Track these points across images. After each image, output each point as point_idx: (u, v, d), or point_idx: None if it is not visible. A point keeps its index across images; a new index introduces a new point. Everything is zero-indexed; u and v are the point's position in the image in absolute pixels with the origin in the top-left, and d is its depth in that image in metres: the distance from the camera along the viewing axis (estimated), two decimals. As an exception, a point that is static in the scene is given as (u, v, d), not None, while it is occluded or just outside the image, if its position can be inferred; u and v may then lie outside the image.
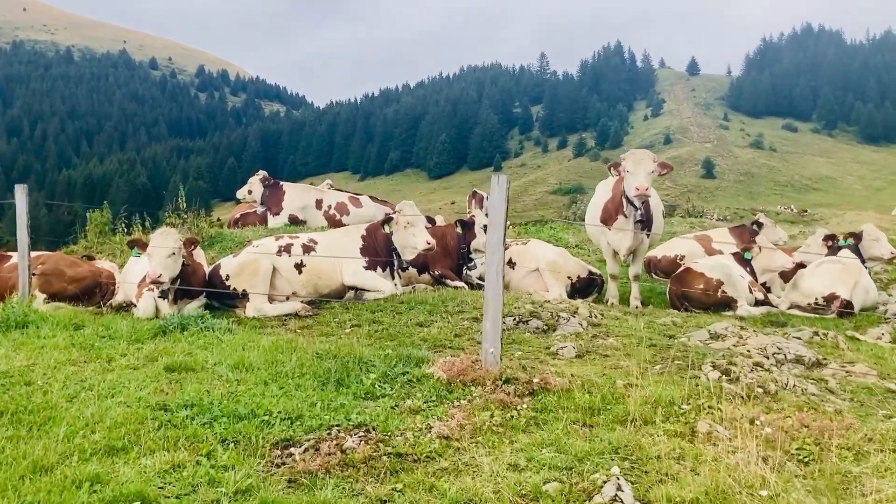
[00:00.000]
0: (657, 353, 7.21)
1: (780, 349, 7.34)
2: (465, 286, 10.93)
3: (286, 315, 8.92)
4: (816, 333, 8.41)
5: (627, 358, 7.01)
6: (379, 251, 9.83)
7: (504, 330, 7.93)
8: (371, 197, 15.50)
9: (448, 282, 10.96)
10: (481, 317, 8.43)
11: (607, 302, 11.66)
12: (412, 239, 9.66)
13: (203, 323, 7.79)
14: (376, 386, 5.88)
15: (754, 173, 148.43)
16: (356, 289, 9.59)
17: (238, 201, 16.15)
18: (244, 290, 9.15)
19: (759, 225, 15.08)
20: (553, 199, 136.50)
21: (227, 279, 9.24)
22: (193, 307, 9.08)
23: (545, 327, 8.21)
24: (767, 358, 7.11)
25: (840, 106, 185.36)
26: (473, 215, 11.56)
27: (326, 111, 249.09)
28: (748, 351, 7.29)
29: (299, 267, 9.43)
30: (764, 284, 11.94)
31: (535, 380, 5.90)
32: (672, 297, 11.10)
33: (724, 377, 6.25)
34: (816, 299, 10.75)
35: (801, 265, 12.12)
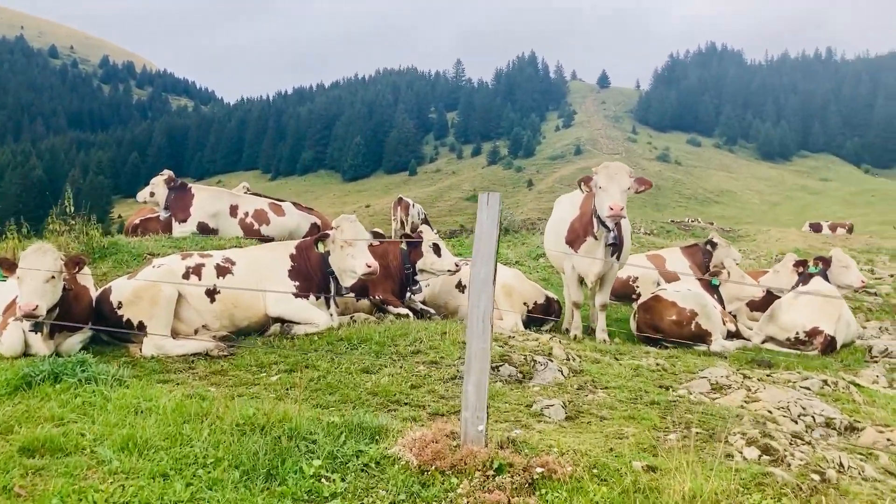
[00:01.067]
0: (663, 414, 5.85)
1: (804, 409, 6.10)
2: (410, 314, 9.37)
3: (194, 354, 7.15)
4: (826, 383, 7.26)
5: (631, 422, 5.64)
6: (312, 274, 8.17)
7: (469, 379, 6.46)
8: (295, 204, 13.71)
9: (391, 308, 9.38)
10: (440, 360, 6.93)
11: (566, 332, 10.33)
12: (350, 261, 8.05)
13: (84, 371, 5.94)
14: (322, 479, 4.26)
15: (661, 185, 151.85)
16: (283, 321, 7.89)
17: (139, 204, 14.02)
18: (141, 323, 7.31)
19: (713, 245, 14.10)
20: (467, 205, 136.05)
21: (119, 307, 7.39)
22: (75, 343, 7.21)
23: (519, 375, 6.75)
24: (795, 422, 5.85)
25: (740, 123, 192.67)
26: (421, 231, 10.00)
27: (237, 108, 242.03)
28: (770, 412, 6.01)
29: (212, 294, 7.67)
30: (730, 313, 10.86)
31: (536, 467, 4.41)
32: (641, 327, 9.84)
33: (764, 456, 4.92)
34: (797, 334, 9.69)
35: (771, 294, 11.12)
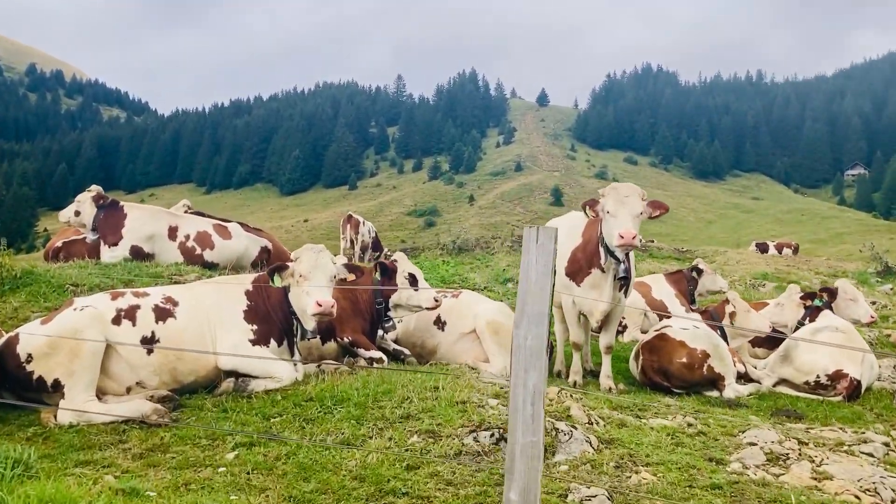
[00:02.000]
0: (730, 504, 4.65)
1: (894, 491, 4.98)
2: (384, 357, 8.01)
3: (126, 421, 5.66)
4: (889, 447, 6.18)
5: (697, 518, 4.41)
6: (272, 315, 6.76)
7: (479, 452, 5.20)
8: (242, 224, 12.18)
9: (362, 352, 7.99)
10: (437, 429, 5.59)
11: (557, 375, 9.12)
12: (304, 299, 6.67)
13: (-28, 458, 4.42)
14: None
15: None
16: (237, 374, 6.44)
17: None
18: (56, 381, 5.78)
19: (699, 272, 13.13)
20: (409, 220, 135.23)
21: (28, 362, 5.84)
22: (-32, 408, 5.67)
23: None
24: (892, 511, 4.72)
25: (675, 142, 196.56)
26: (395, 260, 8.63)
27: (171, 119, 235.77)
28: (857, 497, 4.86)
29: (149, 342, 6.17)
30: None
31: None
32: (647, 371, 8.67)
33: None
34: (818, 377, 8.65)
35: (776, 330, 10.11)
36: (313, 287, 6.60)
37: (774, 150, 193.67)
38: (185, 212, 12.91)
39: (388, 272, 8.37)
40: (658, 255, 28.85)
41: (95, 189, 11.19)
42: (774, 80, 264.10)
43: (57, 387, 5.77)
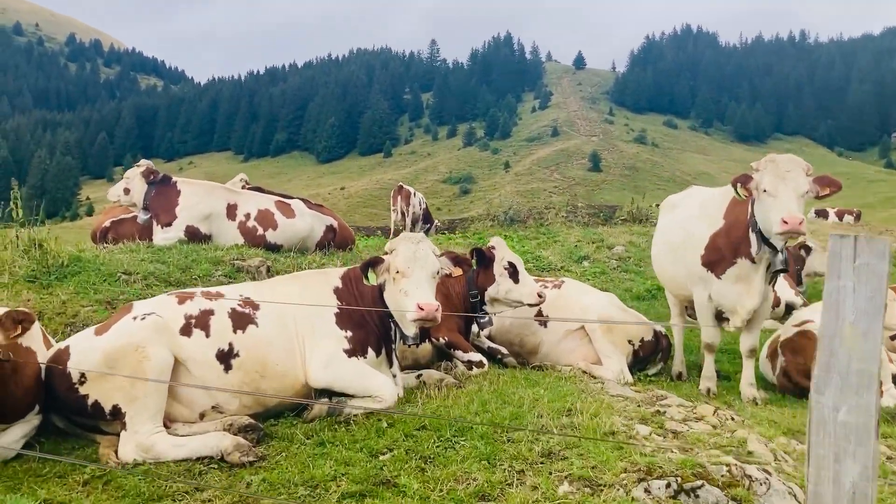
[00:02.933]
0: None
1: None
2: (484, 361, 6.86)
3: (201, 459, 4.58)
4: None
5: None
6: (367, 319, 5.60)
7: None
8: (305, 201, 11.05)
9: (459, 354, 6.85)
10: (593, 474, 4.39)
11: (679, 377, 7.90)
12: (402, 300, 5.49)
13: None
14: None
15: (639, 167, 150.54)
16: (332, 393, 5.31)
17: (109, 185, 11.11)
18: (116, 408, 4.70)
19: (808, 250, 11.74)
20: (444, 188, 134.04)
21: (81, 383, 4.76)
22: (10, 441, 4.64)
23: None
24: None
25: (716, 105, 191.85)
26: (493, 246, 7.40)
27: (208, 87, 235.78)
28: None
29: (227, 357, 5.06)
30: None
31: None
32: (790, 373, 7.40)
33: None
34: None
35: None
36: (412, 285, 5.41)
37: (818, 113, 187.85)
38: (243, 187, 11.81)
39: (486, 261, 7.17)
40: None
41: (145, 164, 10.10)
42: (818, 40, 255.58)
43: (116, 414, 4.70)
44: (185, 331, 5.00)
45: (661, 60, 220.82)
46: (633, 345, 7.64)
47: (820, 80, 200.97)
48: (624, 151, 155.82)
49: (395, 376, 5.68)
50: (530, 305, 7.19)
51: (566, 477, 4.31)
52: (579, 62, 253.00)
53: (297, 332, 5.31)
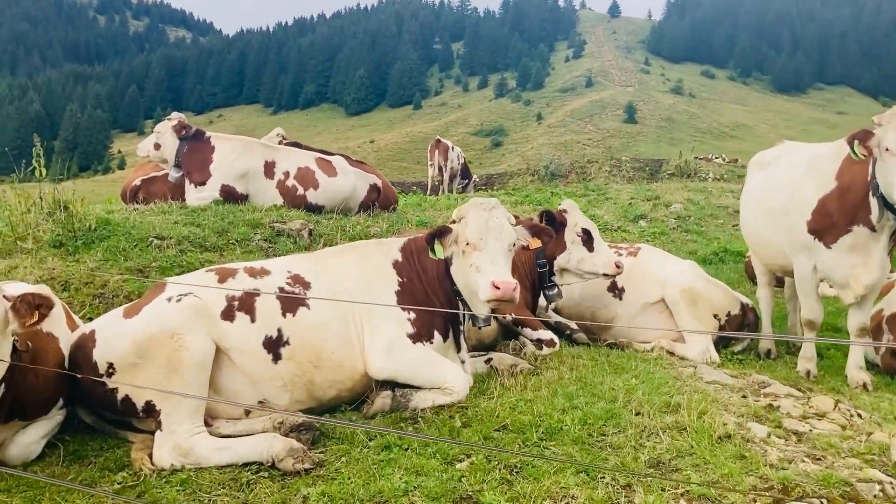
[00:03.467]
0: None
1: None
2: (555, 339, 6.12)
3: (248, 465, 3.92)
4: None
5: None
6: (432, 298, 4.87)
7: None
8: (346, 157, 10.29)
9: (528, 332, 6.11)
10: (715, 494, 3.67)
11: (768, 355, 7.11)
12: (474, 277, 4.71)
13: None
14: None
15: (675, 119, 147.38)
16: (395, 384, 4.60)
17: (140, 139, 10.37)
18: (150, 404, 4.04)
19: None
20: (475, 140, 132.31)
21: (109, 374, 4.10)
22: (29, 442, 4.06)
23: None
24: None
25: (755, 54, 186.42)
26: (565, 210, 6.59)
27: (236, 39, 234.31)
28: None
29: (275, 346, 4.36)
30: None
31: None
32: (897, 357, 6.58)
33: None
34: None
35: None
36: (485, 259, 4.64)
37: (862, 61, 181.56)
38: (280, 142, 11.06)
39: (556, 226, 6.37)
40: (717, 170, 26.08)
41: (177, 117, 9.38)
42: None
43: (150, 412, 4.04)
44: (228, 314, 4.30)
45: (698, 8, 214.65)
46: (719, 319, 6.85)
47: (865, 26, 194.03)
48: (660, 102, 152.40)
49: (463, 363, 4.97)
50: (605, 276, 6.41)
51: (683, 495, 3.58)
52: (614, 10, 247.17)
53: (353, 314, 4.59)
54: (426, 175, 27.33)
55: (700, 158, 37.40)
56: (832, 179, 5.84)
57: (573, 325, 7.00)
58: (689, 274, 6.96)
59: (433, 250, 4.77)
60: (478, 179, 26.50)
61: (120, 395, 4.09)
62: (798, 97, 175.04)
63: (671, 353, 6.52)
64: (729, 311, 6.92)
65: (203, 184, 9.05)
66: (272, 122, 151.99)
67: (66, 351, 4.29)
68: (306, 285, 4.59)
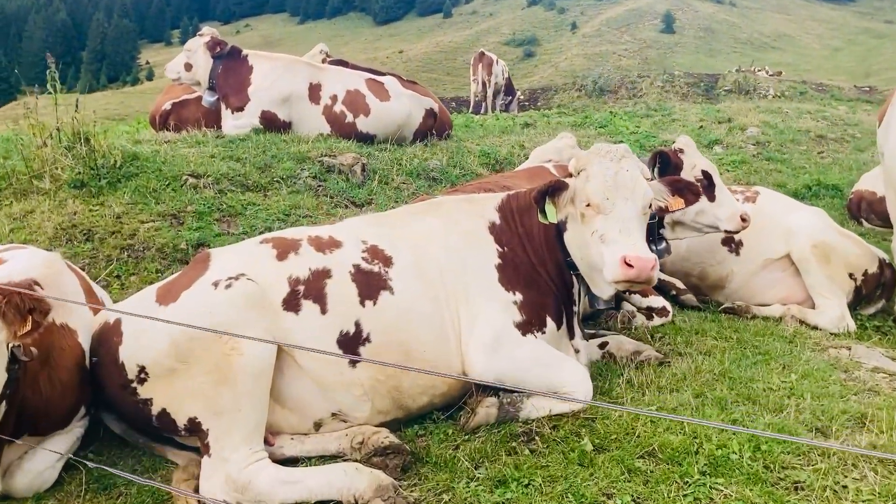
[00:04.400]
0: None
1: None
2: (668, 307, 5.10)
3: (325, 503, 3.02)
4: None
5: None
6: (540, 272, 3.84)
7: None
8: (398, 77, 9.11)
9: (637, 299, 5.10)
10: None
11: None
12: (596, 249, 3.64)
13: None
14: None
15: (714, 29, 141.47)
16: (500, 389, 3.62)
17: (169, 52, 9.26)
18: (195, 422, 3.11)
19: None
20: (507, 50, 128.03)
21: (141, 380, 3.17)
22: (41, 467, 3.18)
23: None
24: None
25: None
26: (680, 150, 5.47)
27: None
28: None
29: (353, 344, 3.37)
30: None
31: None
32: None
33: None
34: None
35: None
36: (614, 227, 3.56)
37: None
38: (323, 61, 9.86)
39: (670, 169, 5.27)
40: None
41: (209, 33, 8.23)
42: None
43: (195, 430, 3.13)
44: (291, 303, 3.32)
45: None
46: (856, 280, 5.76)
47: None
48: (699, 11, 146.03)
49: (577, 352, 3.98)
50: (728, 232, 5.33)
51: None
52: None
53: (447, 297, 3.59)
54: (462, 89, 25.84)
55: (743, 71, 35.36)
56: None
57: (679, 284, 5.97)
58: (819, 224, 5.84)
59: (543, 212, 3.71)
60: (521, 96, 25.02)
61: (155, 408, 3.17)
62: (844, 5, 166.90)
63: (802, 322, 5.48)
64: (866, 270, 5.82)
65: (241, 109, 7.98)
66: (299, 32, 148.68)
67: (87, 345, 3.36)
68: (387, 261, 3.58)
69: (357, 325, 3.36)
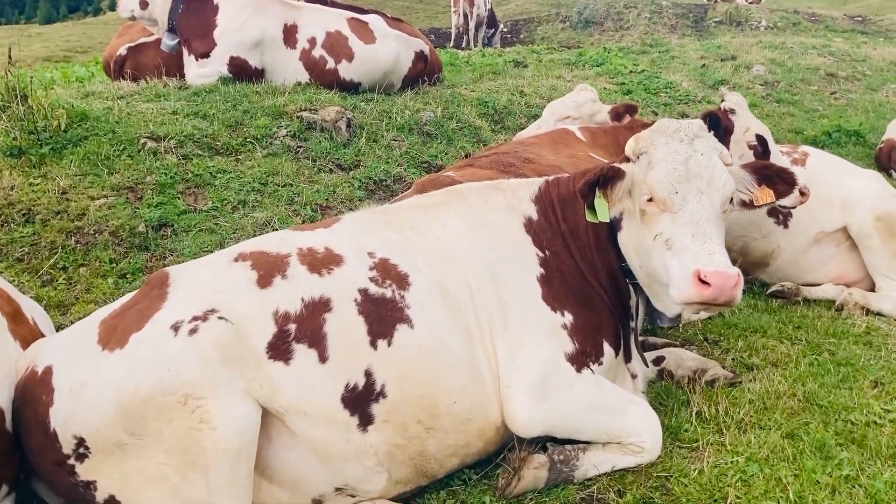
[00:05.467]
0: None
1: None
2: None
3: None
4: None
5: None
6: (591, 283, 3.04)
7: None
8: (382, 15, 8.09)
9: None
10: None
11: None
12: (660, 256, 2.82)
13: None
14: None
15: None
16: (549, 441, 2.86)
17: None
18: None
19: None
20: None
21: (79, 459, 2.36)
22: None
23: None
24: None
25: None
26: (729, 109, 4.65)
27: None
28: None
29: (363, 402, 2.55)
30: None
31: None
32: None
33: None
34: None
35: None
36: (684, 231, 2.74)
37: None
38: (299, -3, 8.74)
39: (720, 132, 4.44)
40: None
41: (167, -34, 7.13)
42: None
43: (154, 520, 2.34)
44: (280, 350, 2.49)
45: None
46: (919, 257, 5.05)
47: None
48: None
49: (634, 377, 3.21)
50: (783, 208, 4.56)
51: None
52: None
53: (479, 322, 2.79)
54: (436, 17, 24.58)
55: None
56: None
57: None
58: (881, 192, 5.09)
59: (592, 209, 2.89)
60: (504, 29, 23.77)
61: (101, 494, 2.38)
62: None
63: (864, 308, 4.78)
64: (930, 245, 5.11)
65: (206, 55, 6.95)
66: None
67: (6, 398, 2.54)
68: (402, 282, 2.74)
69: (368, 374, 2.55)
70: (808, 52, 13.99)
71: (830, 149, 8.95)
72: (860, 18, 26.29)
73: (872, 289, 4.99)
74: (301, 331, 2.52)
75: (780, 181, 3.07)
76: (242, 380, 2.38)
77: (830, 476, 2.73)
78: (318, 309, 2.56)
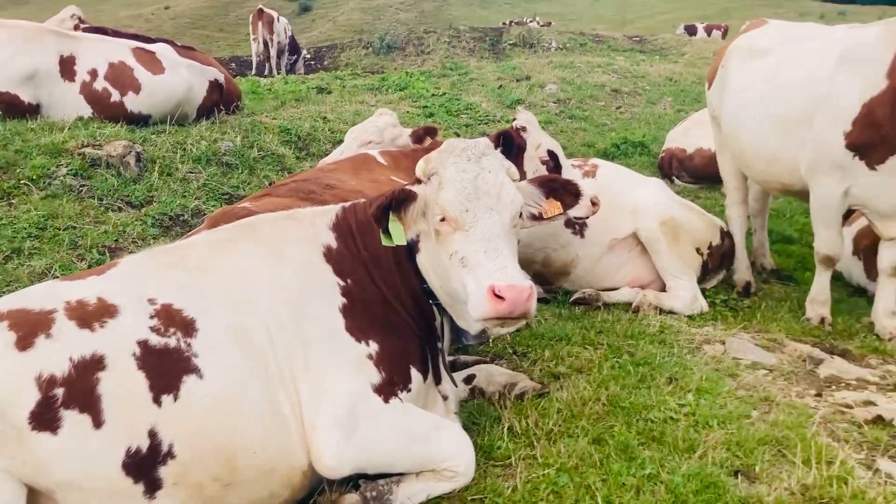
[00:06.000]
0: None
1: None
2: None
3: None
4: None
5: None
6: (397, 309, 2.98)
7: None
8: (171, 44, 7.70)
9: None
10: None
11: (746, 291, 5.89)
12: (456, 275, 2.83)
13: None
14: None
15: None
16: (363, 477, 2.74)
17: None
18: None
19: None
20: (281, 5, 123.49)
21: None
22: None
23: None
24: None
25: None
26: (521, 127, 4.79)
27: None
28: None
29: (148, 467, 2.30)
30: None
31: None
32: None
33: None
34: None
35: None
36: (476, 247, 2.76)
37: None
38: (76, 27, 8.15)
39: (513, 150, 4.58)
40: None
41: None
42: None
43: None
44: (45, 419, 2.20)
45: None
46: (702, 254, 5.48)
47: None
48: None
49: (445, 399, 3.18)
50: (577, 219, 4.78)
51: None
52: None
53: (278, 362, 2.63)
54: (238, 46, 24.02)
55: (518, 23, 36.14)
56: (883, 77, 4.39)
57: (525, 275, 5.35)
58: (665, 199, 5.46)
59: (387, 233, 2.84)
60: (307, 55, 23.63)
61: None
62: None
63: (657, 308, 5.08)
64: (710, 242, 5.56)
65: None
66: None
67: None
68: (188, 328, 2.53)
69: (152, 434, 2.32)
70: (595, 71, 14.99)
71: (619, 160, 9.58)
72: (638, 38, 28.55)
73: (664, 289, 5.35)
74: (70, 395, 2.25)
75: (566, 193, 3.17)
76: (1, 458, 2.08)
77: (634, 476, 2.82)
78: (89, 368, 2.30)
